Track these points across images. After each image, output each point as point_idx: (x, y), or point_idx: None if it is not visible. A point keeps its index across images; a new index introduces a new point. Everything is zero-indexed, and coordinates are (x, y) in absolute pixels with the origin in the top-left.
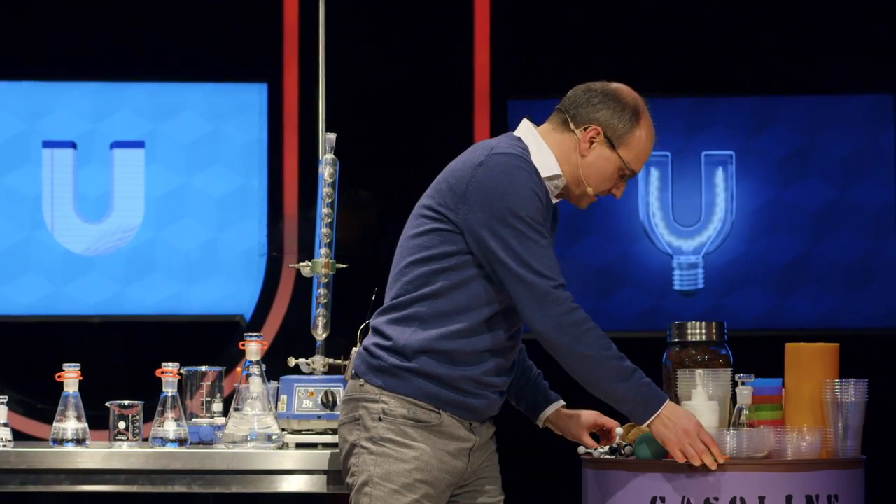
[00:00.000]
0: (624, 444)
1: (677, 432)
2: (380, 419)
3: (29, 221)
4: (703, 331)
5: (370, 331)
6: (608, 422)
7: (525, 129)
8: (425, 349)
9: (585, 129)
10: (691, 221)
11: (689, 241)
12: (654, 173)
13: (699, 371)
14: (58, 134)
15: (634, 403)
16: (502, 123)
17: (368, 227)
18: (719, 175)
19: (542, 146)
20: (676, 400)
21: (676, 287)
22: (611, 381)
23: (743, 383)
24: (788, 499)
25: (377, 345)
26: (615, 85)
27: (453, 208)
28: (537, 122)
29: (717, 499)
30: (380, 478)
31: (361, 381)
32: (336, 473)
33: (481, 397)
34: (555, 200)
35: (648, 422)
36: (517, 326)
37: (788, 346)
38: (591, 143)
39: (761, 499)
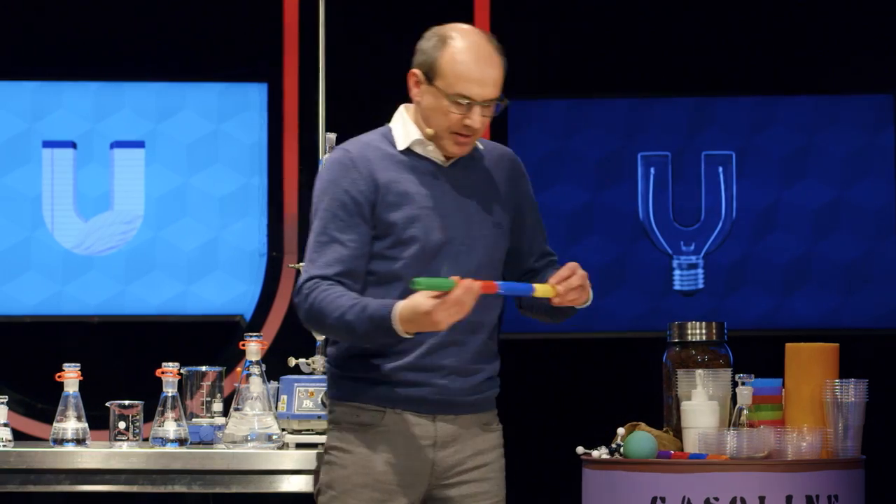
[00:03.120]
0: (623, 443)
1: (425, 322)
2: (331, 429)
3: (29, 221)
4: (704, 331)
5: None
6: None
7: (398, 112)
8: (350, 353)
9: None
10: (691, 221)
11: (689, 241)
12: (654, 173)
13: (699, 371)
14: (58, 134)
15: (379, 334)
16: (502, 123)
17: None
18: (719, 175)
19: (405, 120)
20: (677, 400)
21: (676, 287)
22: (354, 335)
23: (743, 383)
24: (789, 499)
25: (327, 357)
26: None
27: None
28: (534, 121)
29: (717, 499)
30: (326, 485)
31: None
32: None
33: (426, 385)
34: (448, 160)
35: (404, 333)
36: None
37: (789, 346)
38: (417, 87)
39: (761, 499)
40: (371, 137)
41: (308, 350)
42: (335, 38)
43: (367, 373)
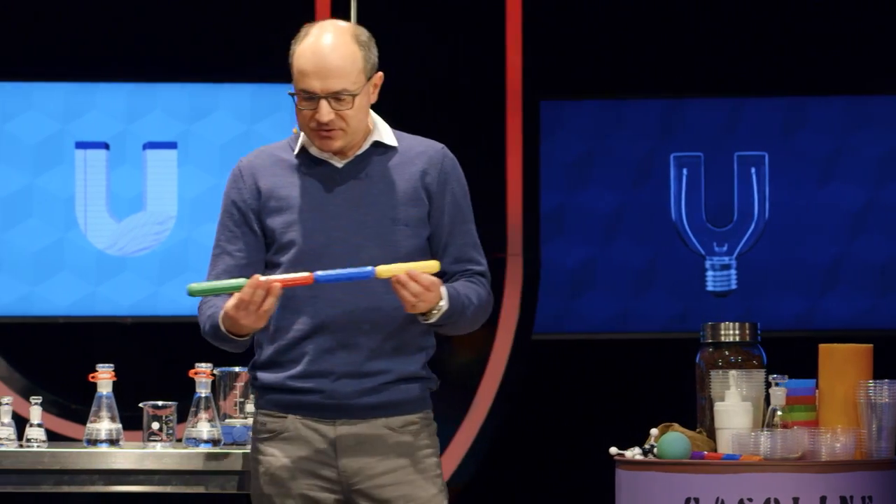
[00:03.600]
0: (656, 444)
1: (236, 324)
2: (251, 438)
3: (62, 222)
4: (737, 332)
5: None
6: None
7: None
8: (257, 363)
9: None
10: (724, 222)
11: (722, 241)
12: (686, 174)
13: (733, 372)
14: (91, 135)
15: (226, 341)
16: (535, 124)
17: None
18: (752, 176)
19: None
20: (710, 401)
21: (709, 288)
22: (221, 344)
23: (777, 384)
24: (822, 500)
25: None
26: None
27: None
28: (567, 122)
29: (751, 500)
30: (250, 495)
31: None
32: None
33: (317, 391)
34: (343, 160)
35: (234, 337)
36: (311, 302)
37: (822, 346)
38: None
39: (795, 500)
40: (276, 144)
41: None
42: None
43: (273, 381)
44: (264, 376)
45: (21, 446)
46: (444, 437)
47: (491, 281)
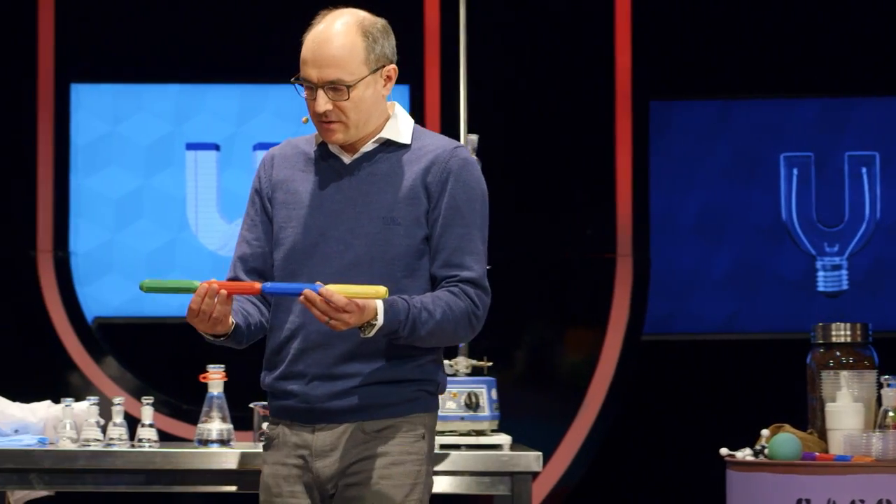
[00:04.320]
0: (767, 445)
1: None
2: None
3: (174, 223)
4: (848, 332)
5: None
6: None
7: None
8: (263, 363)
9: None
10: (835, 222)
11: (833, 242)
12: (797, 174)
13: (844, 373)
14: (201, 136)
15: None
16: (644, 124)
17: (510, 227)
18: (863, 175)
19: None
20: (821, 402)
21: (820, 288)
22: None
23: (889, 385)
24: None
25: None
26: None
27: None
28: (680, 122)
29: (863, 501)
30: None
31: None
32: (481, 474)
33: (291, 395)
34: (352, 155)
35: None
36: (290, 308)
37: None
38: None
39: None
40: (304, 137)
41: (451, 351)
42: (476, 39)
43: (266, 385)
44: (263, 378)
45: (133, 446)
46: (554, 438)
47: (487, 288)
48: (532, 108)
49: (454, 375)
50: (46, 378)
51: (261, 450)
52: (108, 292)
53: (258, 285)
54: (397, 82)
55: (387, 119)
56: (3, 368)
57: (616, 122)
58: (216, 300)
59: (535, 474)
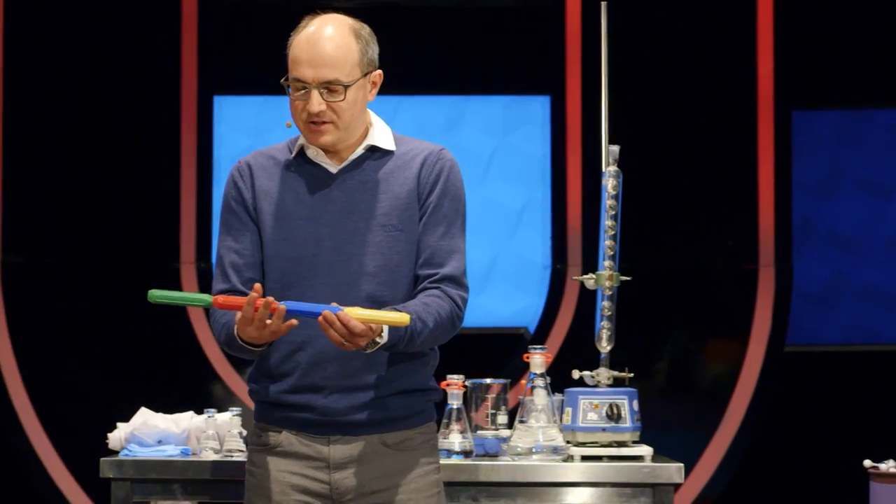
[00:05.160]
0: None
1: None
2: (247, 449)
3: None
4: None
5: None
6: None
7: None
8: (255, 375)
9: None
10: None
11: None
12: None
13: None
14: None
15: (243, 350)
16: (786, 134)
17: (652, 238)
18: None
19: None
20: None
21: None
22: (241, 355)
23: None
24: None
25: None
26: None
27: None
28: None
29: None
30: None
31: None
32: (622, 485)
33: (308, 408)
34: (339, 164)
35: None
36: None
37: None
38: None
39: None
40: (273, 147)
41: (592, 362)
42: (617, 50)
43: (267, 395)
44: (260, 389)
45: None
46: (696, 450)
47: (466, 285)
48: (673, 119)
49: (595, 387)
50: (190, 389)
51: None
52: None
53: (282, 306)
54: (537, 93)
55: (367, 126)
56: (148, 380)
57: (758, 133)
58: (274, 316)
59: (676, 486)
